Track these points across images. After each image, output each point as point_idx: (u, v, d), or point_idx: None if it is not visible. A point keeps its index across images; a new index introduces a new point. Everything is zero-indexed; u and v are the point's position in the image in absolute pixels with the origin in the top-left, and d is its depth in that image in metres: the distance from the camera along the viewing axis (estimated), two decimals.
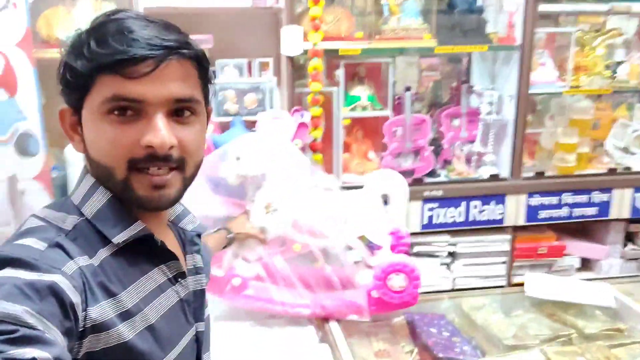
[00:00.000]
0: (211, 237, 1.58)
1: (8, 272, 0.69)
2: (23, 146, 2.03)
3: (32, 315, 0.65)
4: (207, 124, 0.91)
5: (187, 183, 0.86)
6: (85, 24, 0.82)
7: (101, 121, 0.79)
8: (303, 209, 1.73)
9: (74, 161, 2.19)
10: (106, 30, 0.78)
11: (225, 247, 1.63)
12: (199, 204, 1.68)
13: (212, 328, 1.63)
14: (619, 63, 2.83)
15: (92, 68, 0.77)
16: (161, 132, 0.78)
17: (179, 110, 0.82)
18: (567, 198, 2.68)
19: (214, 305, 1.76)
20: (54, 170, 2.23)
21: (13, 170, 2.01)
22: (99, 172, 0.83)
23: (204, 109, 0.88)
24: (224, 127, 2.24)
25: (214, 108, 2.35)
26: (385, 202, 1.83)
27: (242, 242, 1.70)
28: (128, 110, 0.78)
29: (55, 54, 2.16)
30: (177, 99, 0.81)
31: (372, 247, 1.80)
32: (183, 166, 0.83)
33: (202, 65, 0.86)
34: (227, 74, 2.43)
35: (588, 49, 2.79)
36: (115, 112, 0.78)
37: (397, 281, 1.70)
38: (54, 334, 0.66)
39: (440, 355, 1.72)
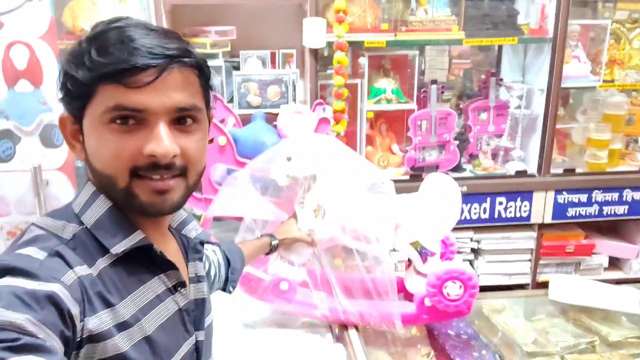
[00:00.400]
0: (252, 242, 1.56)
1: (8, 280, 0.69)
2: (48, 137, 2.05)
3: (33, 324, 0.65)
4: (209, 130, 0.91)
5: (190, 190, 0.86)
6: (85, 33, 0.82)
7: (103, 130, 0.78)
8: (353, 212, 1.67)
9: None
10: (107, 39, 0.78)
11: (268, 253, 1.60)
12: (248, 206, 1.69)
13: (224, 330, 1.63)
14: None
15: (93, 77, 0.76)
16: (164, 141, 0.78)
17: (180, 119, 0.81)
18: (597, 195, 2.60)
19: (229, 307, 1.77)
20: (77, 161, 2.26)
21: (38, 161, 2.04)
22: (101, 181, 0.82)
23: (205, 116, 0.87)
24: (246, 120, 2.22)
25: (236, 100, 2.34)
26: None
27: (289, 246, 1.66)
28: (130, 119, 0.78)
29: None
30: (180, 108, 0.80)
31: (424, 253, 1.73)
32: (186, 173, 0.83)
33: (203, 73, 0.85)
34: (250, 65, 2.41)
35: (624, 42, 2.68)
36: (118, 122, 0.78)
37: (453, 289, 1.62)
38: (54, 342, 0.67)
39: (457, 358, 1.69)
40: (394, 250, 2.03)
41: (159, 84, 0.77)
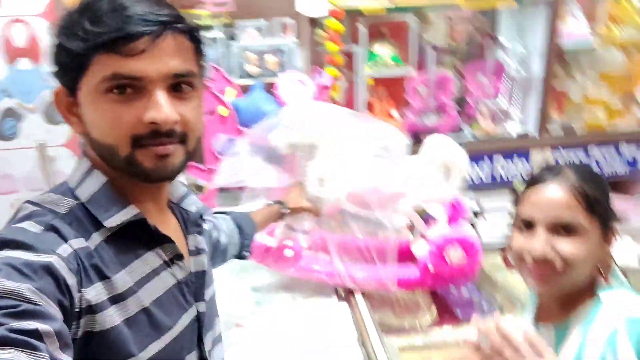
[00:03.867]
0: (265, 209, 1.57)
1: (6, 253, 0.71)
2: (51, 114, 2.09)
3: (33, 292, 0.67)
4: (210, 100, 0.92)
5: (189, 155, 0.87)
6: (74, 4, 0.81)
7: (101, 100, 0.78)
8: (358, 179, 1.67)
9: None
10: (99, 8, 0.77)
11: (278, 219, 1.63)
12: (252, 174, 1.71)
13: (232, 293, 1.67)
14: None
15: (87, 48, 0.76)
16: (164, 108, 0.79)
17: (177, 85, 0.82)
18: (595, 153, 2.63)
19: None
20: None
21: (42, 138, 2.07)
22: (101, 152, 0.82)
23: (201, 82, 0.87)
24: (245, 90, 2.25)
25: (235, 70, 2.35)
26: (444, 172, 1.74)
27: (297, 214, 1.69)
28: (128, 88, 0.78)
29: None
30: (176, 74, 0.80)
31: (428, 218, 1.74)
32: (185, 140, 0.84)
33: (196, 38, 0.85)
34: (247, 35, 2.42)
35: None
36: (115, 91, 0.77)
37: (455, 255, 1.63)
38: (53, 310, 0.68)
39: (459, 314, 1.75)
40: (395, 213, 2.07)
41: (154, 51, 0.77)
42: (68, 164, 2.15)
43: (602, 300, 1.05)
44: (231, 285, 1.79)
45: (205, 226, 1.12)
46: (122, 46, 0.76)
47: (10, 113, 2.03)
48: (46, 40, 2.02)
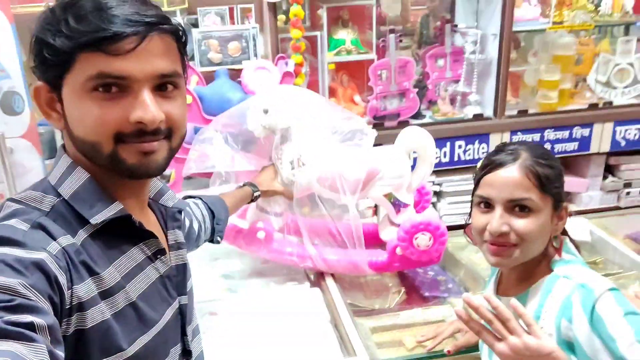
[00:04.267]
0: (237, 192, 1.59)
1: None
2: (8, 105, 2.02)
3: (25, 288, 0.68)
4: None
5: (172, 152, 0.88)
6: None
7: (85, 98, 0.79)
8: (331, 163, 1.70)
9: None
10: (82, 6, 0.77)
11: (250, 202, 1.64)
12: (222, 160, 1.71)
13: (204, 281, 1.68)
14: None
15: (73, 45, 0.76)
16: (150, 107, 0.80)
17: (162, 85, 0.83)
18: (549, 134, 2.73)
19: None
20: (40, 127, 2.23)
21: (0, 129, 2.01)
22: (84, 148, 0.83)
23: (184, 81, 0.89)
24: (208, 78, 2.23)
25: (197, 57, 2.33)
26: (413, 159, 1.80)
27: (269, 197, 1.70)
28: (113, 86, 0.79)
29: (33, 8, 2.11)
30: (162, 74, 0.82)
31: (398, 204, 1.79)
32: (171, 136, 0.86)
33: (180, 39, 0.87)
34: (209, 22, 2.40)
35: None
36: (100, 89, 0.78)
37: (423, 240, 1.69)
38: (46, 305, 0.69)
39: (426, 294, 1.81)
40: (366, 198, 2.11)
41: (141, 51, 0.78)
42: (27, 155, 2.10)
43: (558, 274, 1.15)
44: (203, 273, 1.80)
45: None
46: (109, 45, 0.76)
47: None
48: (0, 28, 1.95)
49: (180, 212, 1.05)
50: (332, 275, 1.79)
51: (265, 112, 1.66)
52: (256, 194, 1.64)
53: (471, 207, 1.23)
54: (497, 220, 1.14)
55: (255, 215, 1.76)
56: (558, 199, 1.16)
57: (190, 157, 1.76)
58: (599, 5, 2.82)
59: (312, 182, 1.69)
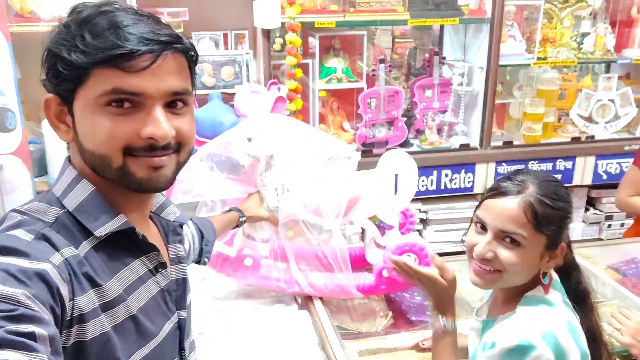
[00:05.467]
0: (223, 216, 1.59)
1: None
2: (1, 121, 2.03)
3: (28, 298, 0.67)
4: None
5: (180, 167, 0.89)
6: (69, 15, 0.82)
7: (98, 113, 0.80)
8: (315, 189, 1.70)
9: (52, 135, 2.20)
10: (99, 23, 0.79)
11: (235, 227, 1.64)
12: (209, 186, 1.72)
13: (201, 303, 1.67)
14: (585, 34, 2.91)
15: (88, 61, 0.77)
16: (162, 124, 0.81)
17: (172, 102, 0.85)
18: (533, 166, 2.80)
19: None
20: (31, 144, 2.24)
21: None
22: (93, 162, 0.83)
23: (192, 98, 0.91)
24: (201, 101, 2.26)
25: None
26: (396, 182, 1.83)
27: (254, 223, 1.72)
28: (126, 102, 0.80)
29: (29, 27, 2.14)
30: (174, 92, 0.83)
31: (383, 227, 1.80)
32: (179, 151, 0.87)
33: (192, 59, 0.89)
34: (203, 46, 2.44)
35: (556, 21, 2.86)
36: (113, 104, 0.79)
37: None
38: (48, 316, 0.70)
39: (413, 318, 1.81)
40: (350, 223, 2.13)
41: (155, 69, 0.80)
42: (16, 172, 2.10)
43: (516, 311, 1.16)
44: (191, 293, 1.80)
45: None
46: (124, 62, 0.78)
47: None
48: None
49: (181, 226, 1.06)
50: (320, 298, 1.80)
51: (249, 140, 1.68)
52: (242, 219, 1.64)
53: (470, 222, 1.25)
54: (483, 246, 1.16)
55: (242, 242, 1.77)
56: (553, 239, 1.15)
57: (176, 187, 1.75)
58: (581, 43, 2.92)
59: (296, 207, 1.71)
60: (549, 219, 1.12)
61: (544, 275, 1.20)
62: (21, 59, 2.11)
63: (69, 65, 0.79)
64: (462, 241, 1.28)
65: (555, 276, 1.25)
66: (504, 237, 1.14)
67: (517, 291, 1.20)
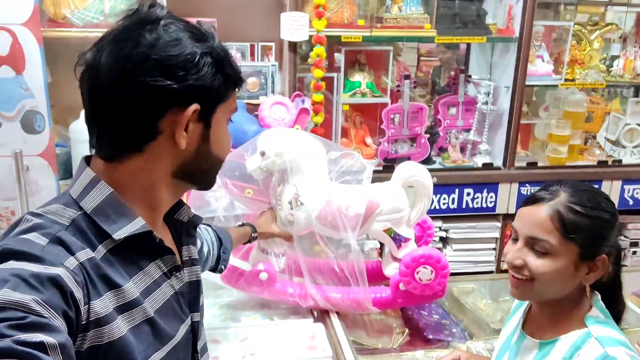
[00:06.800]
0: (236, 230, 1.60)
1: (12, 264, 0.72)
2: (29, 123, 2.06)
3: (39, 304, 0.67)
4: None
5: None
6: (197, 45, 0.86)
7: (225, 126, 0.95)
8: (329, 200, 1.71)
9: (77, 138, 2.23)
10: (227, 54, 0.91)
11: (246, 243, 1.65)
12: (223, 202, 1.74)
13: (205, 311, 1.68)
14: (615, 57, 2.88)
15: (233, 84, 0.92)
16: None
17: None
18: None
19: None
20: (57, 147, 2.27)
21: (19, 147, 2.05)
22: (210, 165, 0.95)
23: None
24: None
25: None
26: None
27: (267, 239, 1.72)
28: None
29: (62, 32, 2.19)
30: None
31: (398, 239, 1.79)
32: None
33: None
34: None
35: (585, 43, 2.83)
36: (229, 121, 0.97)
37: (425, 274, 1.69)
38: (58, 322, 0.69)
39: (430, 336, 1.79)
40: (366, 238, 2.11)
41: None
42: (42, 173, 2.12)
43: (591, 333, 1.11)
44: (206, 301, 1.79)
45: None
46: (240, 86, 0.96)
47: None
48: (29, 50, 2.01)
49: (195, 227, 1.06)
50: (337, 311, 1.78)
51: (262, 154, 1.69)
52: (254, 234, 1.65)
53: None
54: (513, 253, 1.15)
55: (257, 257, 1.76)
56: (588, 249, 1.11)
57: (191, 201, 1.76)
58: (610, 66, 2.88)
59: (311, 220, 1.70)
60: (579, 226, 1.10)
61: (584, 288, 1.17)
62: (52, 64, 2.15)
63: (228, 80, 0.90)
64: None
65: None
66: (533, 244, 1.13)
67: (563, 309, 1.17)
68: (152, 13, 0.86)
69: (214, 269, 1.43)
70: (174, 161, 0.89)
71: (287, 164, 1.69)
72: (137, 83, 0.81)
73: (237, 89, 0.94)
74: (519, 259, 1.14)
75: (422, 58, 3.06)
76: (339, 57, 2.57)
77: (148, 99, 0.82)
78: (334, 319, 1.75)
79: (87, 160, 0.90)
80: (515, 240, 1.18)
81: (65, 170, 2.41)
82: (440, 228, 2.68)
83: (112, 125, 0.85)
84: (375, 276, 1.89)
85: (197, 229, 1.32)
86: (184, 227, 1.03)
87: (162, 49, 0.82)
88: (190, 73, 0.84)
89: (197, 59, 0.84)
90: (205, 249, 1.33)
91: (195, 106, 0.85)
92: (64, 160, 2.37)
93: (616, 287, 1.23)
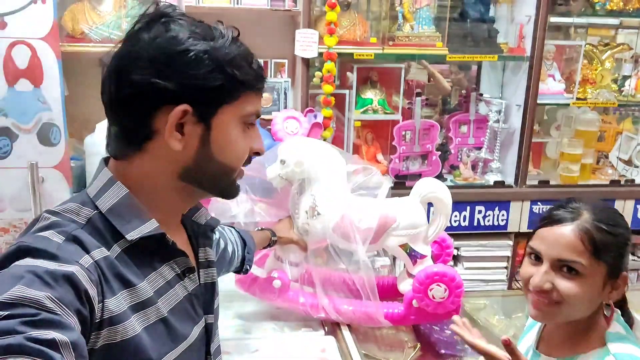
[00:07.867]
0: (256, 233, 1.61)
1: (28, 261, 0.72)
2: (45, 136, 2.09)
3: (52, 301, 0.68)
4: None
5: None
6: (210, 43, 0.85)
7: (238, 130, 0.89)
8: (344, 212, 1.72)
9: (92, 152, 2.25)
10: (243, 48, 0.88)
11: (266, 247, 1.66)
12: (243, 208, 1.75)
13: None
14: (626, 77, 2.88)
15: (243, 84, 0.87)
16: (261, 139, 0.96)
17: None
18: None
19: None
20: (72, 161, 2.29)
21: (35, 159, 2.07)
22: (215, 171, 0.90)
23: None
24: None
25: None
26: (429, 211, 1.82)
27: (285, 245, 1.73)
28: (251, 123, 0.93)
29: (79, 47, 2.23)
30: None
31: (414, 255, 1.78)
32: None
33: None
34: None
35: (596, 62, 2.84)
36: (248, 124, 0.91)
37: (439, 292, 1.67)
38: (71, 320, 0.69)
39: (442, 351, 1.77)
40: (377, 255, 2.11)
41: None
42: (57, 185, 2.15)
43: (610, 351, 1.09)
44: (219, 312, 1.79)
45: (214, 236, 1.16)
46: (261, 89, 0.92)
47: (5, 132, 2.03)
48: (47, 64, 2.05)
49: (212, 230, 1.07)
50: (348, 325, 1.77)
51: (283, 162, 1.70)
52: (274, 238, 1.66)
53: (524, 255, 1.21)
54: (540, 276, 1.11)
55: (273, 264, 1.77)
56: (614, 267, 1.10)
57: (211, 207, 1.77)
58: (622, 86, 2.89)
59: (327, 231, 1.71)
60: (607, 245, 1.08)
61: (606, 307, 1.15)
62: (70, 78, 2.19)
63: (232, 80, 0.85)
64: (516, 280, 1.24)
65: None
66: (561, 266, 1.09)
67: (580, 328, 1.15)
68: (158, 12, 0.86)
69: (239, 270, 1.44)
70: (175, 163, 0.88)
71: (306, 173, 1.70)
72: (128, 80, 0.83)
73: (252, 91, 0.89)
74: (548, 282, 1.10)
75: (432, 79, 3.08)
76: (351, 77, 2.59)
77: (138, 96, 0.83)
78: (345, 331, 1.74)
79: (106, 161, 0.92)
80: (536, 261, 1.14)
81: (80, 184, 2.43)
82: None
83: (113, 122, 0.88)
84: (390, 292, 1.88)
85: (222, 230, 1.34)
86: (201, 228, 1.05)
87: (156, 46, 0.83)
88: (181, 71, 0.83)
89: (191, 57, 0.82)
90: (230, 249, 1.34)
91: (184, 106, 0.83)
92: (78, 173, 2.39)
93: (623, 302, 1.21)
